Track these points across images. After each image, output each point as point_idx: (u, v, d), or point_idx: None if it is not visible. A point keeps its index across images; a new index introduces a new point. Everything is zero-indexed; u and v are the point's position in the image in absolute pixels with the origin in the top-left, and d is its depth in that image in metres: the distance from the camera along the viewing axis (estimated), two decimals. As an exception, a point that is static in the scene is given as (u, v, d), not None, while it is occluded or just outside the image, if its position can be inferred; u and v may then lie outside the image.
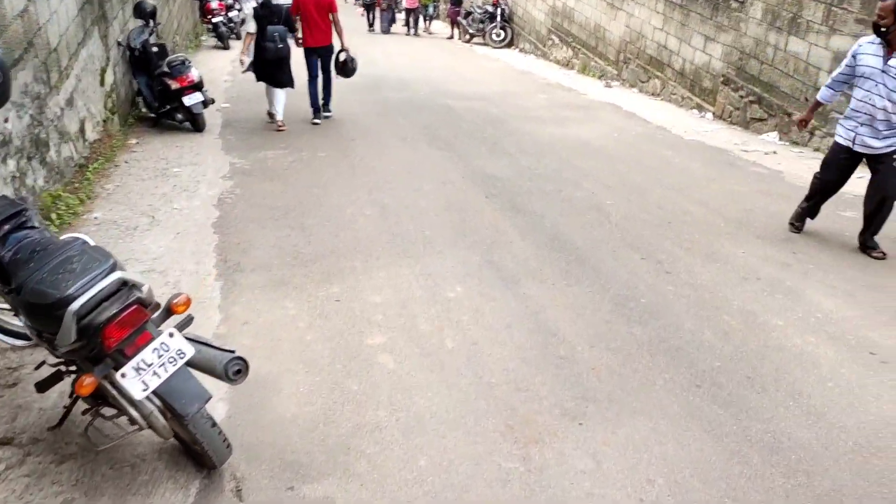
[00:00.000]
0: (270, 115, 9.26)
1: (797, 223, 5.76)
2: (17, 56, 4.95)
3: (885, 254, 5.22)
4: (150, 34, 9.02)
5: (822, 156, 8.32)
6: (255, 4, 8.85)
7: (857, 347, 3.91)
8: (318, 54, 9.05)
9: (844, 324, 4.17)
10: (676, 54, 11.62)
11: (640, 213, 6.01)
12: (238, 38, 19.10)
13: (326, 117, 9.57)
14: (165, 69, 8.57)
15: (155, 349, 2.49)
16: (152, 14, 9.12)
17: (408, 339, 3.89)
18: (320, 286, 4.49)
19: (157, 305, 2.60)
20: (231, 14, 18.99)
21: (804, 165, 7.91)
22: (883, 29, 4.71)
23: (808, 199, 5.70)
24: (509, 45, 19.00)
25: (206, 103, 8.83)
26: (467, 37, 19.70)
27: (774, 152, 8.49)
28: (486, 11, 19.17)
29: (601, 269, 4.83)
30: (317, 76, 9.21)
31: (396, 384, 3.47)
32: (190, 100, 8.58)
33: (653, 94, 12.31)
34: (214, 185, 6.55)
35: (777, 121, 9.28)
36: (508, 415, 3.26)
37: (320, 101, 9.39)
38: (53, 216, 5.18)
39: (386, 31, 21.83)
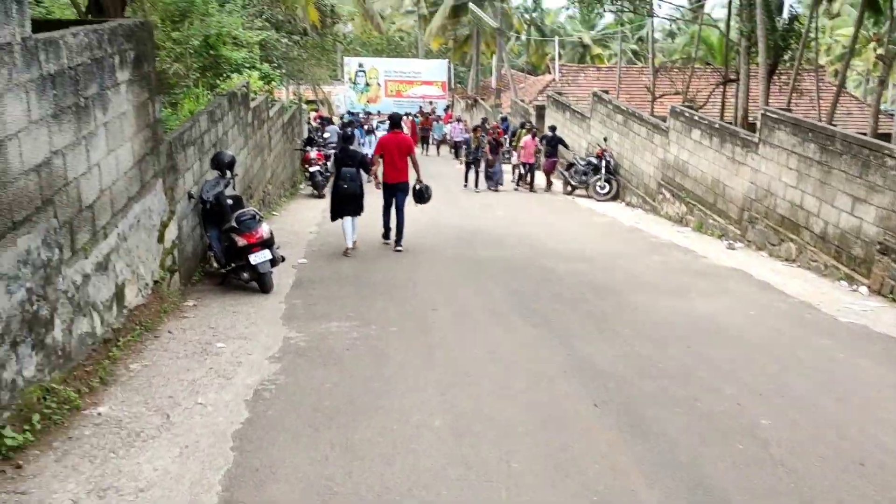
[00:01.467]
0: (346, 251, 9.86)
1: None
2: (19, 218, 4.05)
3: None
4: (226, 185, 8.33)
5: None
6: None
7: None
8: (397, 189, 10.20)
9: None
10: (815, 216, 10.03)
11: (813, 444, 4.32)
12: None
13: (398, 251, 10.13)
14: (234, 224, 7.78)
15: None
16: (230, 165, 8.49)
17: None
18: (351, 561, 3.05)
19: None
20: (331, 163, 18.96)
21: None
22: None
23: None
24: (615, 198, 17.89)
25: (274, 262, 7.92)
26: (569, 188, 18.77)
27: (968, 345, 6.62)
28: (590, 163, 18.26)
29: (777, 553, 3.17)
30: (390, 206, 10.32)
31: None
32: (256, 258, 7.69)
33: (787, 260, 10.62)
34: (257, 369, 5.36)
35: (962, 302, 7.42)
36: None
37: (392, 233, 10.37)
38: (36, 418, 4.05)
39: (494, 187, 18.56)
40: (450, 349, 5.94)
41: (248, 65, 16.23)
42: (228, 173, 8.54)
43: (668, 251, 11.31)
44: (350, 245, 9.84)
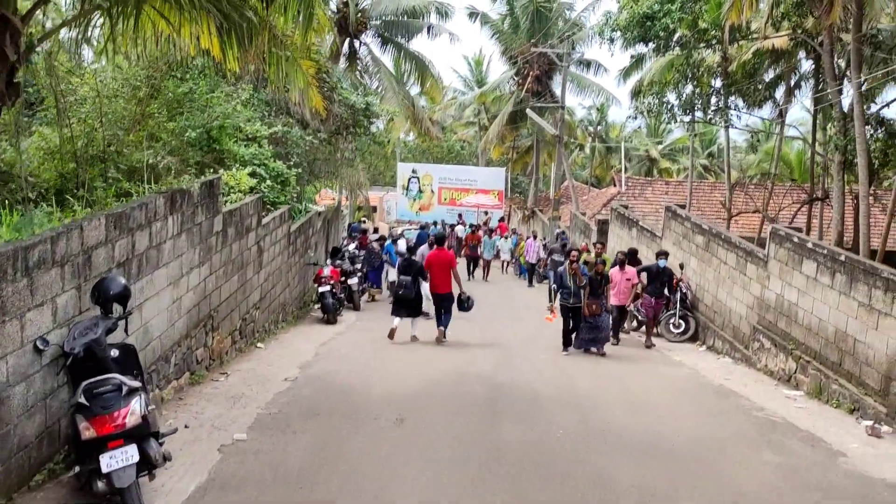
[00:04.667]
0: (390, 335, 11.91)
1: None
2: None
3: None
4: (109, 330, 5.36)
5: None
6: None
7: None
8: (442, 299, 12.17)
9: None
10: None
11: None
12: (356, 308, 15.99)
13: (443, 339, 11.98)
14: (81, 400, 4.76)
15: None
16: (119, 297, 5.54)
17: None
18: None
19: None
20: (351, 281, 15.97)
21: None
22: None
23: None
24: (692, 339, 14.36)
25: (149, 463, 4.84)
26: (635, 324, 15.30)
27: None
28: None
29: None
30: (440, 311, 12.24)
31: None
32: (112, 461, 4.66)
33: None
34: None
35: None
36: None
37: (440, 328, 12.12)
38: None
39: (597, 348, 12.13)
40: None
41: (257, 161, 13.86)
42: (119, 310, 5.61)
43: (784, 439, 7.72)
44: (395, 325, 11.99)
